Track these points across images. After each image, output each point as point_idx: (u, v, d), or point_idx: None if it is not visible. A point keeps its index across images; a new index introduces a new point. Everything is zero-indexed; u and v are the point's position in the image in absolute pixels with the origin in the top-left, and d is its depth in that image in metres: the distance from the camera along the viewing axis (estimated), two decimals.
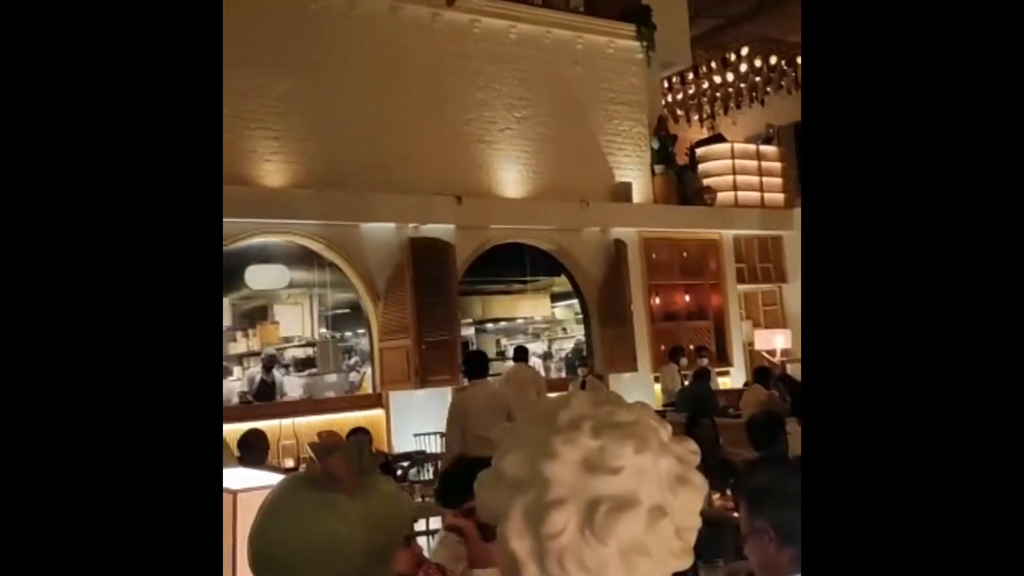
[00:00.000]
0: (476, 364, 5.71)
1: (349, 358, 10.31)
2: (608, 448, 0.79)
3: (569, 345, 11.01)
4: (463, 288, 8.78)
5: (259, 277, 9.10)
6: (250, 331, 10.66)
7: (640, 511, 0.78)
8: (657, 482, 0.80)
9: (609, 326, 9.20)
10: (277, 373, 8.81)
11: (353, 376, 9.35)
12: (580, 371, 7.86)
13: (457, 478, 2.78)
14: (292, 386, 8.63)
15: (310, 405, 7.72)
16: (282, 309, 10.50)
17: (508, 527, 0.80)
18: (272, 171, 7.62)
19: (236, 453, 4.26)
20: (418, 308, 7.78)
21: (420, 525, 4.21)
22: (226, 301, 10.02)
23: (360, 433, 4.05)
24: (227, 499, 1.55)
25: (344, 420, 6.88)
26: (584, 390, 6.12)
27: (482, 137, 8.78)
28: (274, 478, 1.72)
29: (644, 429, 0.82)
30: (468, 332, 10.83)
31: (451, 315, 8.01)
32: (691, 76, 12.22)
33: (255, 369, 8.71)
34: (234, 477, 1.79)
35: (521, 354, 7.85)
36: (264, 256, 8.89)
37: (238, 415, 6.56)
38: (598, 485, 0.78)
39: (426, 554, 2.42)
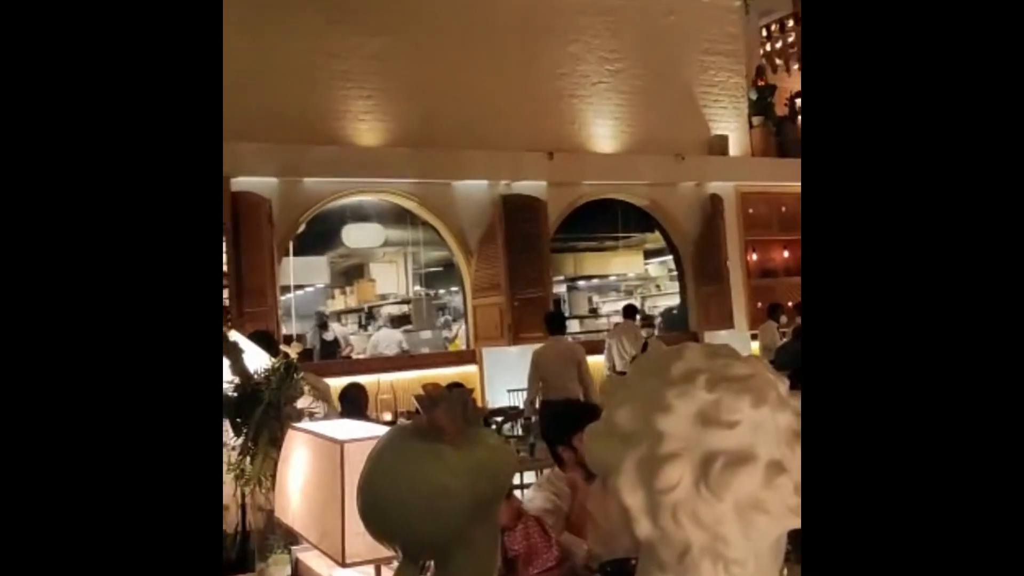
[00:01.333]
0: (554, 322, 6.50)
1: (442, 315, 10.47)
2: (724, 402, 0.77)
3: (663, 303, 10.88)
4: (555, 245, 8.75)
5: (355, 235, 9.29)
6: (347, 289, 10.93)
7: (757, 466, 0.75)
8: (775, 437, 0.77)
9: (705, 283, 9.04)
10: (336, 329, 9.04)
11: (447, 333, 9.50)
12: (644, 332, 7.57)
13: (561, 417, 2.89)
14: (388, 343, 8.83)
15: (405, 361, 7.87)
16: (378, 267, 10.72)
17: (620, 480, 0.78)
18: (366, 130, 7.71)
19: (338, 407, 4.39)
20: (510, 265, 7.80)
21: (514, 479, 4.26)
22: (324, 260, 10.28)
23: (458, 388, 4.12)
24: (334, 449, 1.59)
25: (438, 376, 7.00)
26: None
27: (574, 92, 8.67)
28: (378, 429, 1.75)
29: (761, 383, 0.79)
30: (560, 289, 10.83)
31: (543, 272, 8.01)
32: (791, 23, 11.70)
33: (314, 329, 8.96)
34: (340, 428, 1.84)
35: (630, 312, 8.04)
36: (360, 215, 9.06)
37: (338, 370, 6.75)
38: (713, 439, 0.76)
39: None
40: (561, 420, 2.81)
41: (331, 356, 8.06)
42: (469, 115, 7.84)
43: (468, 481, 1.15)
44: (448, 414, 1.16)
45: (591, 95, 8.76)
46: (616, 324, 8.24)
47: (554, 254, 8.82)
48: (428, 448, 1.15)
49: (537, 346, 6.49)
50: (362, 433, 1.68)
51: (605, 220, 9.51)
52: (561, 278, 10.98)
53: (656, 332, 7.97)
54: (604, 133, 8.81)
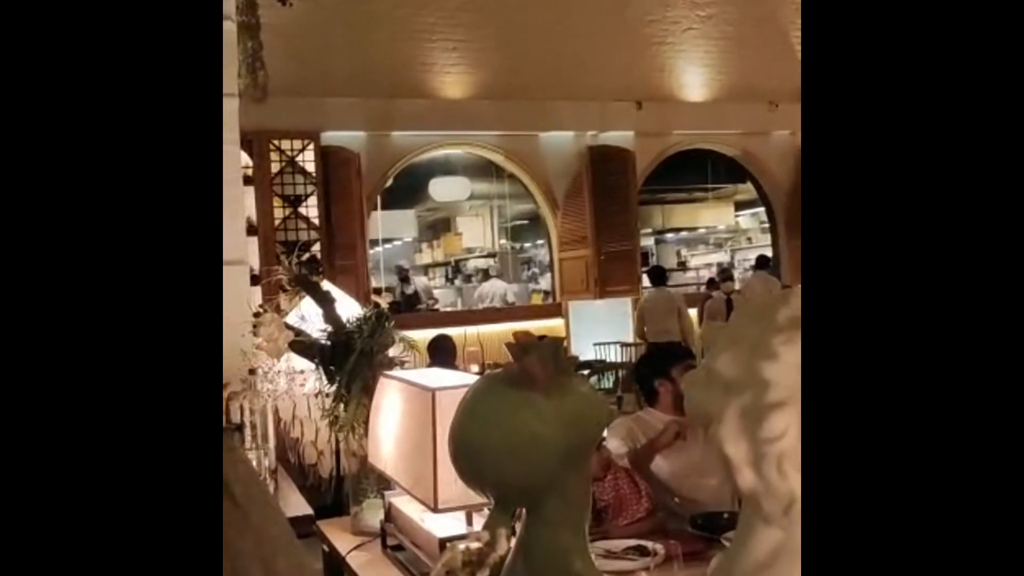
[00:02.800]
0: (656, 275, 7.26)
1: (528, 268, 10.49)
2: None
3: (754, 256, 10.64)
4: (642, 197, 8.63)
5: (442, 189, 9.35)
6: (434, 242, 11.05)
7: None
8: None
9: (798, 236, 8.78)
10: (417, 283, 9.14)
11: (532, 286, 9.52)
12: (722, 287, 7.38)
13: (661, 351, 2.90)
14: (493, 295, 8.89)
15: (491, 314, 7.93)
16: (464, 220, 10.78)
17: (722, 429, 0.75)
18: (452, 83, 7.70)
19: (427, 358, 4.46)
20: (597, 218, 7.73)
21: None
22: (411, 213, 10.40)
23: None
24: (426, 396, 1.60)
25: (525, 329, 7.02)
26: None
27: (664, 39, 8.43)
28: (469, 378, 1.76)
29: None
30: (647, 242, 10.69)
31: (630, 225, 7.91)
32: None
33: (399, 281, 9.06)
34: (431, 376, 1.86)
35: (763, 263, 8.01)
36: (447, 168, 9.10)
37: (423, 322, 6.84)
38: None
39: None
40: (661, 354, 2.78)
41: (411, 309, 8.19)
42: (555, 65, 7.73)
43: (559, 429, 1.13)
44: (540, 362, 1.15)
45: (681, 42, 8.51)
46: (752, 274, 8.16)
47: (642, 206, 8.69)
48: (520, 396, 1.14)
49: (629, 299, 6.62)
50: (453, 381, 1.68)
51: (694, 171, 9.31)
52: (649, 231, 10.83)
53: (736, 287, 7.76)
54: (694, 81, 8.57)
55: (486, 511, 1.71)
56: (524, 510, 1.20)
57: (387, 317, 2.15)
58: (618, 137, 8.00)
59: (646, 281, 7.78)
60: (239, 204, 3.00)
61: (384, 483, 2.09)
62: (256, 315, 2.13)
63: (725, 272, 7.95)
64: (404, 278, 8.91)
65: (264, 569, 0.92)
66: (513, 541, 1.11)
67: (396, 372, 2.03)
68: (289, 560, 0.94)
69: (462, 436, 1.19)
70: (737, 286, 8.04)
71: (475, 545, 0.68)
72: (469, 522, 1.64)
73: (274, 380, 2.23)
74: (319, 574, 1.02)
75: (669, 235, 11.85)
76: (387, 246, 9.79)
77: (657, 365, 2.63)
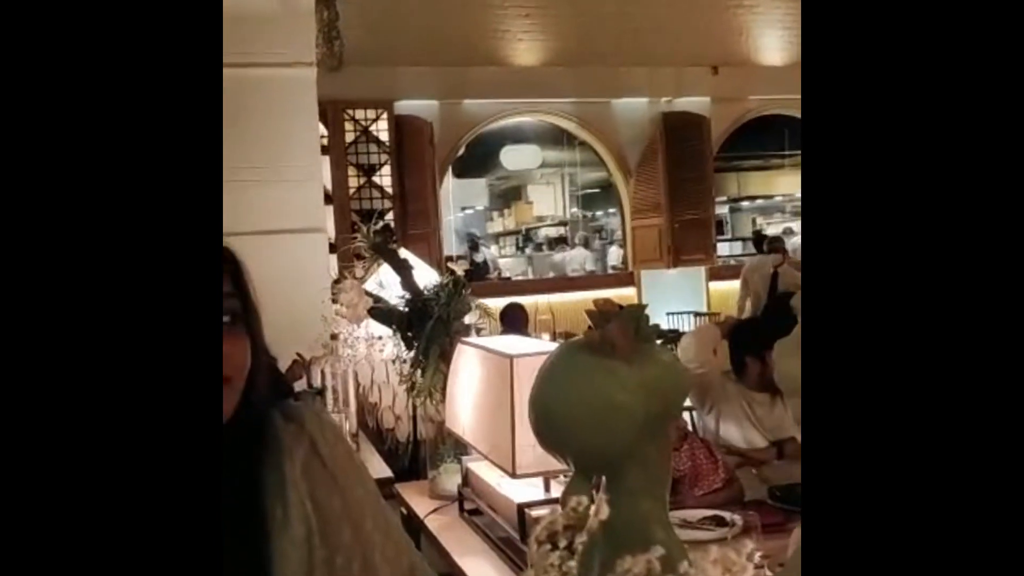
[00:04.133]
0: (757, 243, 7.52)
1: (600, 237, 10.42)
2: None
3: None
4: (718, 164, 8.45)
5: (513, 158, 9.32)
6: (505, 211, 11.05)
7: None
8: None
9: None
10: (486, 252, 9.11)
11: (607, 255, 9.46)
12: (771, 258, 6.93)
13: (760, 326, 2.85)
14: (576, 262, 8.88)
15: (563, 283, 7.91)
16: (535, 189, 10.74)
17: None
18: (524, 50, 7.64)
19: (499, 326, 4.48)
20: (670, 185, 7.61)
21: None
22: (483, 182, 10.41)
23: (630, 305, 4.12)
24: (504, 363, 1.61)
25: (596, 298, 6.98)
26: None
27: (741, 1, 8.20)
28: (547, 345, 1.76)
29: None
30: (722, 210, 10.49)
31: (705, 192, 7.76)
32: None
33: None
34: (509, 343, 1.86)
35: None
36: (518, 136, 9.06)
37: (494, 290, 6.86)
38: None
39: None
40: (758, 330, 2.73)
41: (480, 279, 8.22)
42: (630, 30, 7.59)
43: (640, 397, 1.12)
44: (622, 329, 1.13)
45: (758, 4, 8.25)
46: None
47: (717, 173, 8.52)
48: (600, 363, 1.13)
49: (703, 269, 6.51)
50: (531, 348, 1.69)
51: (772, 137, 9.07)
52: (724, 199, 10.63)
53: (786, 259, 7.37)
54: (772, 44, 8.32)
55: (563, 478, 1.72)
56: (604, 478, 1.20)
57: (463, 284, 2.17)
58: (693, 103, 7.84)
59: (721, 250, 7.63)
60: (317, 173, 3.04)
61: (461, 448, 2.11)
62: (336, 281, 2.16)
63: (775, 241, 7.36)
64: (474, 246, 8.95)
65: (353, 530, 0.94)
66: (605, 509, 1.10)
67: (473, 339, 2.04)
68: (377, 521, 0.96)
69: (542, 403, 1.18)
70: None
71: (578, 508, 0.68)
72: (547, 488, 1.65)
73: (354, 345, 2.27)
74: (406, 536, 1.03)
75: (744, 203, 11.60)
76: (459, 215, 9.83)
77: (752, 340, 2.58)
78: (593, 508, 0.84)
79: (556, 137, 8.68)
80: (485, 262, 9.08)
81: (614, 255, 9.23)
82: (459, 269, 2.36)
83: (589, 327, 1.18)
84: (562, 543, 0.66)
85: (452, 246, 8.82)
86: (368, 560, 0.94)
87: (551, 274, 8.83)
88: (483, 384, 1.75)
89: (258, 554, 0.90)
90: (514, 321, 4.69)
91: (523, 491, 1.64)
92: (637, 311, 1.19)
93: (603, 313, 1.17)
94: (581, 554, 0.66)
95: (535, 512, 1.55)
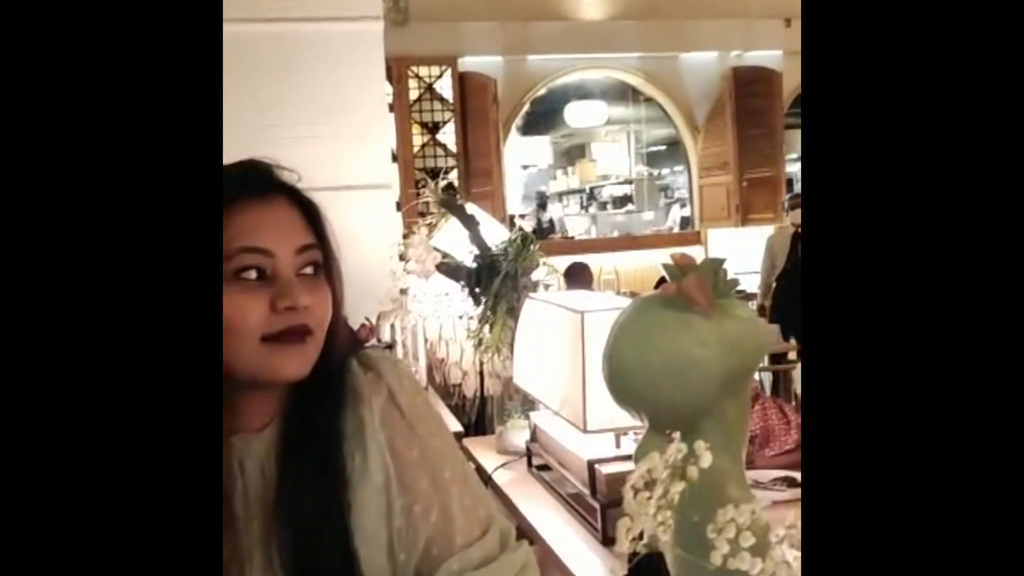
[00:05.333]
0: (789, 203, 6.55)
1: (666, 195, 10.26)
2: None
3: None
4: (789, 120, 8.20)
5: (578, 114, 9.20)
6: (569, 169, 10.94)
7: None
8: None
9: None
10: (552, 211, 9.01)
11: (672, 214, 9.33)
12: (790, 216, 6.31)
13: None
14: (608, 224, 8.80)
15: (628, 242, 7.83)
16: (599, 147, 10.60)
17: None
18: (590, 4, 7.48)
19: (564, 284, 4.45)
20: (739, 142, 7.43)
21: None
22: (547, 140, 10.31)
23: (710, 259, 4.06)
24: (575, 318, 1.59)
25: (662, 257, 6.90)
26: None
27: None
28: (618, 301, 1.74)
29: None
30: (793, 168, 10.22)
31: (775, 149, 7.56)
32: None
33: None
34: (579, 299, 1.84)
35: None
36: (582, 93, 8.93)
37: (558, 249, 6.82)
38: None
39: None
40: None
41: (544, 237, 8.16)
42: None
43: (718, 352, 1.09)
44: (699, 283, 1.10)
45: None
46: None
47: (788, 130, 8.27)
48: (677, 317, 1.11)
49: (768, 228, 6.19)
50: (603, 304, 1.66)
51: None
52: (794, 156, 10.34)
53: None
54: None
55: (632, 435, 1.70)
56: (679, 433, 1.17)
57: (532, 240, 2.15)
58: (764, 57, 7.60)
59: None
60: (384, 128, 3.04)
61: (528, 404, 2.11)
62: (405, 236, 2.16)
63: (795, 198, 6.68)
64: (542, 205, 8.91)
65: (431, 479, 0.94)
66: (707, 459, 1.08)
67: (542, 294, 2.03)
68: (455, 471, 0.96)
69: (617, 358, 1.16)
70: None
71: (679, 455, 0.66)
72: (617, 444, 1.64)
73: (422, 301, 2.27)
74: (483, 487, 1.03)
75: None
76: (522, 173, 9.78)
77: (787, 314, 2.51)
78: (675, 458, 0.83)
79: (622, 93, 8.53)
80: (551, 220, 9.03)
81: (680, 214, 9.09)
82: (528, 225, 2.34)
83: (661, 280, 1.15)
84: (658, 492, 0.64)
85: (516, 204, 8.79)
86: (446, 509, 0.94)
87: (615, 233, 8.75)
88: (553, 339, 1.74)
89: (338, 501, 0.91)
90: (579, 279, 4.66)
91: (593, 447, 1.63)
92: (715, 264, 1.16)
93: (680, 267, 1.14)
94: (679, 503, 0.64)
95: (605, 468, 1.54)
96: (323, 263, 0.94)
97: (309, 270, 0.92)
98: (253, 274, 0.88)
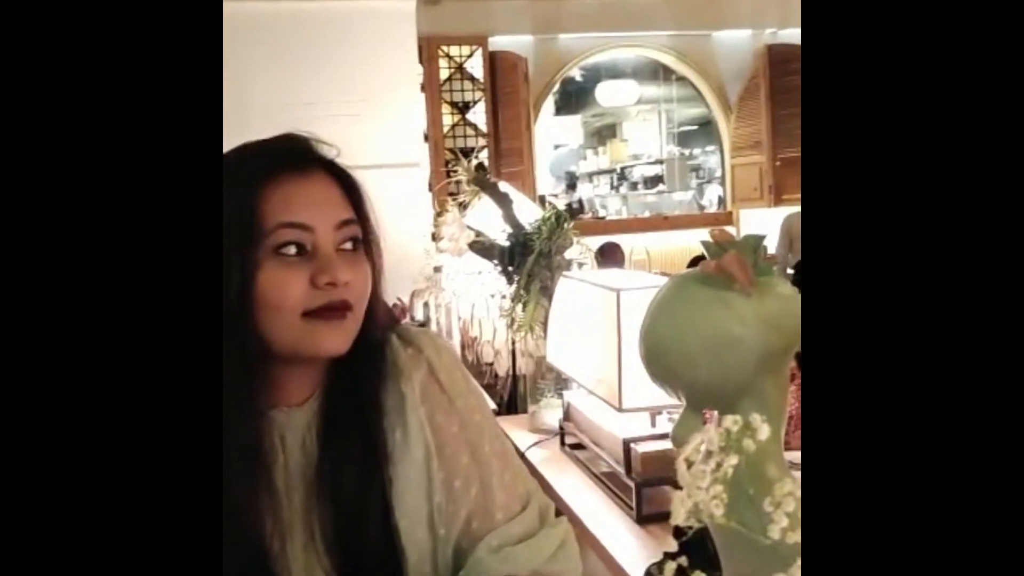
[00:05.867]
0: None
1: (698, 176, 10.16)
2: None
3: None
4: None
5: (609, 94, 9.13)
6: (599, 149, 10.87)
7: None
8: None
9: None
10: (582, 191, 8.95)
11: (709, 193, 9.25)
12: None
13: None
14: (639, 204, 8.73)
15: (658, 222, 7.78)
16: (630, 126, 10.51)
17: None
18: None
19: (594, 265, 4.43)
20: (773, 122, 7.32)
21: None
22: (578, 119, 10.23)
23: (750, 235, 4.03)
24: (611, 297, 1.58)
25: (694, 238, 6.85)
26: None
27: None
28: (652, 279, 1.72)
29: None
30: None
31: None
32: None
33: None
34: (614, 277, 1.83)
35: None
36: (614, 72, 8.86)
37: (589, 230, 6.79)
38: None
39: None
40: None
41: (574, 217, 8.12)
42: None
43: (758, 331, 1.07)
44: (739, 260, 1.09)
45: None
46: None
47: None
48: (716, 295, 1.09)
49: (797, 208, 6.16)
50: (638, 282, 1.65)
51: None
52: None
53: None
54: None
55: (666, 413, 1.69)
56: (716, 412, 1.16)
57: (565, 218, 2.14)
58: (799, 35, 7.47)
59: None
60: (417, 109, 3.04)
61: (561, 383, 2.11)
62: (438, 215, 2.16)
63: None
64: (572, 185, 8.87)
65: (471, 454, 0.94)
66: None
67: (576, 273, 2.02)
68: (494, 446, 0.96)
69: (653, 335, 1.15)
70: None
71: (735, 428, 0.66)
72: (653, 423, 1.63)
73: (454, 279, 2.28)
74: (522, 463, 1.03)
75: None
76: (552, 153, 9.74)
77: None
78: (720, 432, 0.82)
79: (653, 72, 8.44)
80: (580, 201, 8.99)
81: (712, 194, 9.01)
82: (561, 203, 2.33)
83: (695, 260, 1.14)
84: (711, 465, 0.64)
85: (546, 185, 8.76)
86: (486, 484, 0.94)
87: (646, 213, 8.69)
88: (588, 318, 1.73)
89: (378, 476, 0.91)
90: (611, 260, 4.64)
91: (628, 426, 1.63)
92: (755, 241, 1.14)
93: (719, 244, 1.13)
94: (733, 476, 0.63)
95: (641, 447, 1.54)
96: (363, 238, 0.94)
97: (349, 245, 0.91)
98: (293, 249, 0.88)
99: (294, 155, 0.93)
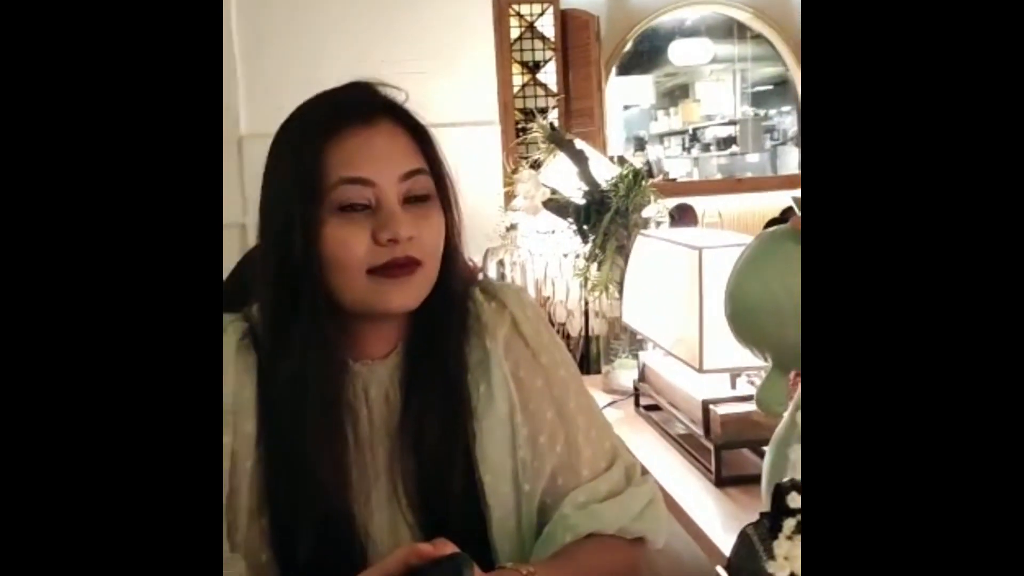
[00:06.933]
0: None
1: (772, 137, 9.90)
2: None
3: None
4: None
5: (682, 53, 8.93)
6: (671, 110, 10.66)
7: None
8: None
9: None
10: (651, 152, 8.79)
11: (780, 156, 9.02)
12: None
13: None
14: (710, 167, 8.55)
15: (732, 185, 7.61)
16: (703, 86, 10.27)
17: None
18: None
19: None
20: None
21: None
22: (649, 79, 10.04)
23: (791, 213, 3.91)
24: (693, 255, 1.54)
25: (767, 200, 6.69)
26: None
27: None
28: (734, 237, 1.67)
29: None
30: None
31: None
32: None
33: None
34: (694, 236, 1.79)
35: None
36: (687, 30, 8.64)
37: (662, 190, 6.68)
38: None
39: None
40: None
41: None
42: None
43: None
44: None
45: None
46: None
47: None
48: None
49: None
50: (720, 240, 1.61)
51: None
52: None
53: None
54: None
55: (746, 376, 1.65)
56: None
57: (643, 176, 2.09)
58: None
59: None
60: (489, 64, 3.01)
61: (636, 343, 2.08)
62: (514, 171, 2.13)
63: None
64: (640, 147, 8.74)
65: (556, 410, 0.92)
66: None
67: (654, 231, 1.98)
68: (580, 402, 0.94)
69: (741, 295, 1.12)
70: None
71: None
72: (733, 385, 1.60)
73: (528, 237, 2.26)
74: (607, 419, 1.01)
75: None
76: (623, 114, 9.59)
77: None
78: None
79: (728, 30, 8.21)
80: (648, 163, 8.85)
81: (785, 156, 8.77)
82: (638, 161, 2.28)
83: (769, 223, 1.10)
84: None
85: (617, 145, 8.63)
86: (572, 440, 0.92)
87: (718, 176, 8.51)
88: (667, 277, 1.70)
89: (463, 431, 0.90)
90: (683, 222, 4.56)
91: (707, 387, 1.59)
92: None
93: None
94: None
95: (720, 409, 1.50)
96: (434, 191, 0.90)
97: (417, 197, 0.88)
98: (354, 206, 0.86)
99: (357, 104, 0.89)
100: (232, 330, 0.90)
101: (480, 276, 2.49)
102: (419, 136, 0.90)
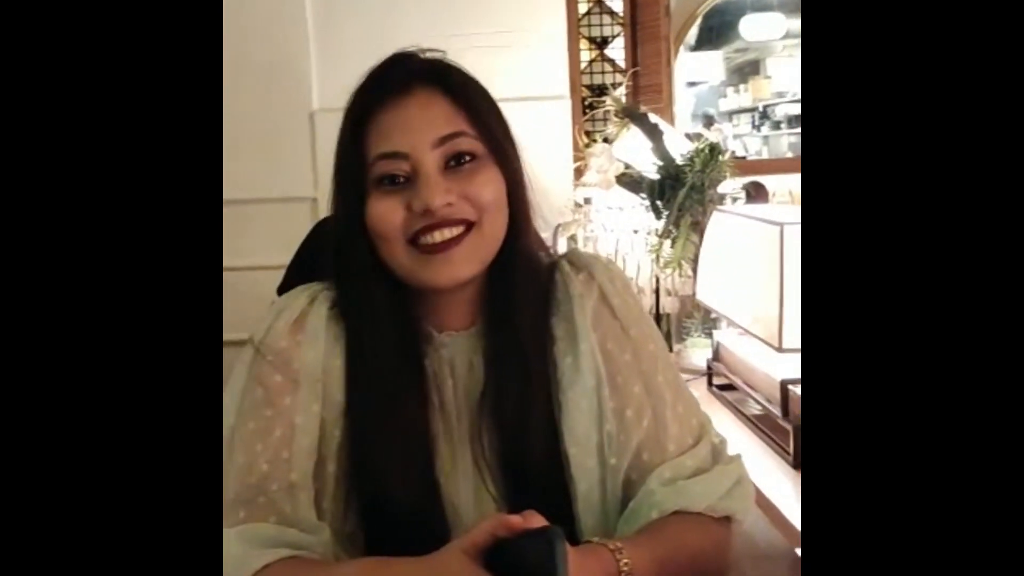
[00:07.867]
0: None
1: None
2: None
3: None
4: None
5: (754, 28, 8.70)
6: (741, 86, 10.44)
7: None
8: None
9: None
10: (721, 128, 8.61)
11: None
12: None
13: None
14: (781, 145, 8.33)
15: (799, 164, 7.43)
16: (775, 62, 10.01)
17: None
18: None
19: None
20: None
21: None
22: (719, 55, 9.84)
23: None
24: (773, 231, 1.51)
25: None
26: None
27: None
28: None
29: None
30: None
31: None
32: None
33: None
34: (773, 212, 1.75)
35: None
36: (760, 5, 8.43)
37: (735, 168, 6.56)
38: None
39: None
40: None
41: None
42: None
43: None
44: None
45: None
46: None
47: None
48: None
49: None
50: (799, 218, 1.56)
51: None
52: None
53: None
54: None
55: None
56: None
57: (720, 150, 2.04)
58: None
59: None
60: (560, 38, 2.98)
61: (709, 321, 2.05)
62: (587, 146, 2.11)
63: None
64: (708, 124, 8.58)
65: (644, 384, 0.91)
66: None
67: (731, 207, 1.93)
68: (667, 377, 0.92)
69: None
70: None
71: None
72: None
73: (599, 212, 2.23)
74: (694, 395, 0.99)
75: None
76: (691, 90, 9.42)
77: None
78: None
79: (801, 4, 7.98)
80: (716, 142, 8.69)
81: None
82: (715, 136, 2.23)
83: None
84: None
85: (685, 123, 8.50)
86: (659, 415, 0.91)
87: (789, 154, 8.32)
88: (746, 254, 1.66)
89: (548, 402, 0.90)
90: (755, 200, 4.47)
91: (784, 367, 1.56)
92: None
93: None
94: None
95: (799, 389, 1.47)
96: (483, 152, 0.88)
97: (460, 160, 0.87)
98: (394, 179, 0.86)
99: (394, 77, 0.89)
100: (322, 299, 0.91)
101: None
102: (459, 97, 0.89)
